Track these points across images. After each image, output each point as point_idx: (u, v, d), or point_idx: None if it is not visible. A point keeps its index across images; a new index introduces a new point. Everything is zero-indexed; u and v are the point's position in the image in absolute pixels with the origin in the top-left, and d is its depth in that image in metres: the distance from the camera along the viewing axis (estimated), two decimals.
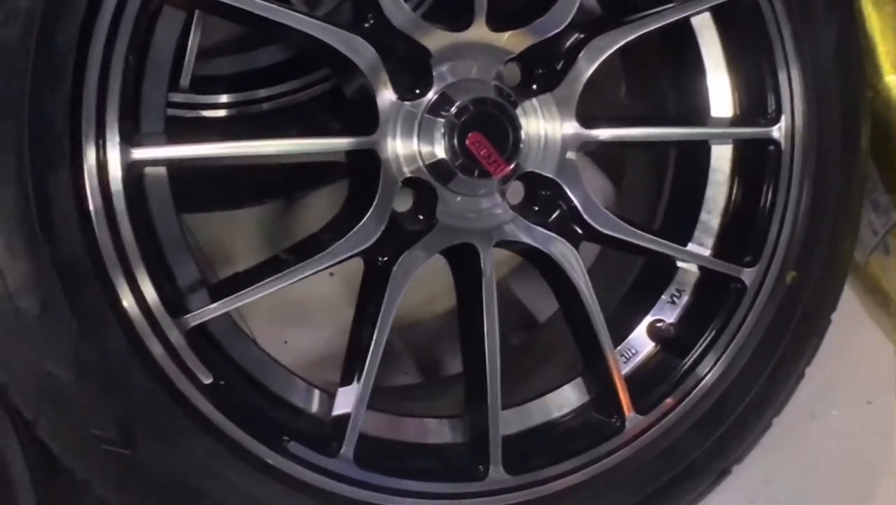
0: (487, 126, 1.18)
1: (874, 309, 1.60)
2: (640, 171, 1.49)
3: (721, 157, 1.35)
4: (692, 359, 1.29)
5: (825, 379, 1.47)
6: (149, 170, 1.09)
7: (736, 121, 1.34)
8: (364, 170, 1.17)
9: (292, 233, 1.60)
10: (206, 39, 1.38)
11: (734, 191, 1.34)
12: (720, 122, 1.35)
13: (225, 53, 1.45)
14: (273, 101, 1.44)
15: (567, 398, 1.30)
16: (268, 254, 1.60)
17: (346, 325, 1.61)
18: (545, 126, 1.21)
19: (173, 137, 1.12)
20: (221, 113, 1.40)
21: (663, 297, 1.34)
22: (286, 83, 1.45)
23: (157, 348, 1.06)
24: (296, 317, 1.54)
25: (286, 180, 1.48)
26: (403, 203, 1.20)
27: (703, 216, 1.34)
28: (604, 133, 1.25)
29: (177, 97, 1.36)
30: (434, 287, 1.46)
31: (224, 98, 1.41)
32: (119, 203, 1.04)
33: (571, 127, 1.22)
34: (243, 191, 1.45)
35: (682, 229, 1.35)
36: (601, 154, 1.55)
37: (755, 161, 1.32)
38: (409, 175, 1.17)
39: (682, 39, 1.34)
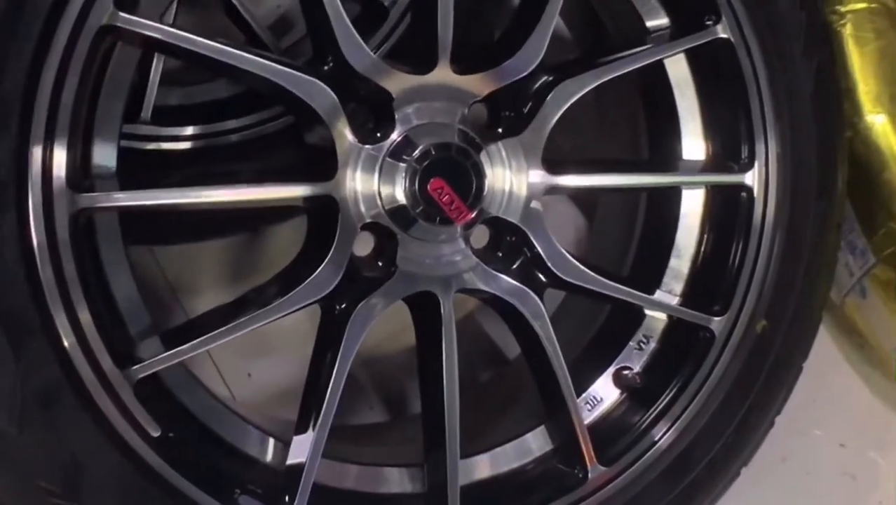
0: (450, 172, 1.14)
1: (849, 350, 1.58)
2: (612, 209, 1.45)
3: (692, 202, 1.32)
4: (659, 408, 1.26)
5: (798, 421, 1.44)
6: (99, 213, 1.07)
7: (708, 166, 1.31)
8: (322, 215, 1.14)
9: (259, 263, 1.57)
10: (169, 68, 1.36)
11: (705, 237, 1.31)
12: (692, 167, 1.31)
13: (189, 83, 1.42)
14: (240, 132, 1.41)
15: (529, 446, 1.27)
16: (234, 284, 1.58)
17: None
18: (510, 172, 1.18)
19: (128, 178, 1.09)
20: (186, 145, 1.37)
21: (630, 343, 1.31)
22: (253, 114, 1.42)
23: (104, 401, 1.03)
24: (259, 349, 1.52)
25: (250, 215, 1.45)
26: (363, 248, 1.17)
27: (673, 262, 1.31)
28: (571, 180, 1.22)
29: (140, 129, 1.33)
30: (401, 320, 1.44)
31: (189, 130, 1.38)
32: (65, 251, 1.01)
33: (538, 173, 1.19)
34: (206, 225, 1.42)
35: (651, 275, 1.32)
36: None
37: (727, 207, 1.29)
38: (368, 220, 1.14)
39: (655, 81, 1.30)
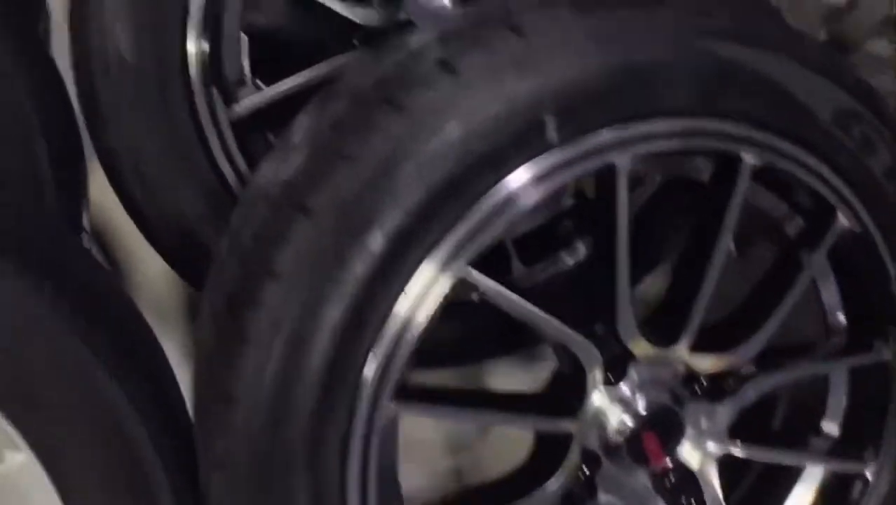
0: (662, 428, 1.40)
1: None
2: None
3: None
4: None
5: None
6: None
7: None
8: (557, 441, 1.38)
9: None
10: None
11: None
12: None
13: None
14: None
15: None
16: None
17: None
18: (702, 432, 1.44)
19: None
20: None
21: None
22: None
23: None
24: None
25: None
26: None
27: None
28: (742, 452, 1.46)
29: None
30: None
31: None
32: (374, 449, 1.24)
33: (722, 439, 1.45)
34: None
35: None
36: None
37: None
38: (587, 448, 1.40)
39: None
